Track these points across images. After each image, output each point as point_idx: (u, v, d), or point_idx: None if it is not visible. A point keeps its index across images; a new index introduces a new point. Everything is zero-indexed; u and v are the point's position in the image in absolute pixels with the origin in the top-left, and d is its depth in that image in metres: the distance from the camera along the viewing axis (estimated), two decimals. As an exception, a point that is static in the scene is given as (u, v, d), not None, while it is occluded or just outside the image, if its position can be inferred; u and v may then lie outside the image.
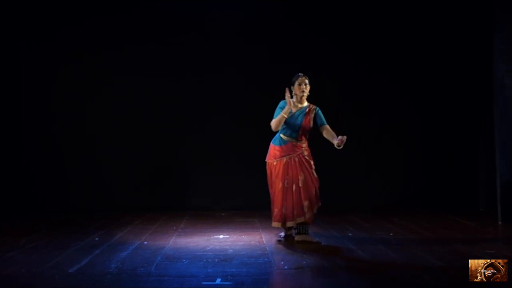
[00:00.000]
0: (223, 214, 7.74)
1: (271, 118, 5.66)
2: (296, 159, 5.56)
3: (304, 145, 5.65)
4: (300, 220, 5.53)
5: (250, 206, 8.04)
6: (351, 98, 8.30)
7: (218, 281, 4.11)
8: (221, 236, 6.01)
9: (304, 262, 4.66)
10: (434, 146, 8.33)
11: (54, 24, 8.11)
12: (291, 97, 5.56)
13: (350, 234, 6.01)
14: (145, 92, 8.19)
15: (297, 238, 5.63)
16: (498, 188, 6.83)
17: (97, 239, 5.81)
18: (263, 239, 5.80)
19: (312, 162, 5.66)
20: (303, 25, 8.28)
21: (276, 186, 5.58)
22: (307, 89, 5.60)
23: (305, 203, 5.51)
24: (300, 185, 5.52)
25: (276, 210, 5.60)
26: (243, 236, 6.01)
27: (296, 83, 5.57)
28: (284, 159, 5.56)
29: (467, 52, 8.00)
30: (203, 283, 4.09)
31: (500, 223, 6.71)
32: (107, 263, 4.67)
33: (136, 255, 5.00)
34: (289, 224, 5.60)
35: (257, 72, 8.04)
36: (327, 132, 5.60)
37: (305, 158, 5.60)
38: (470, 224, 6.72)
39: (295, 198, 5.51)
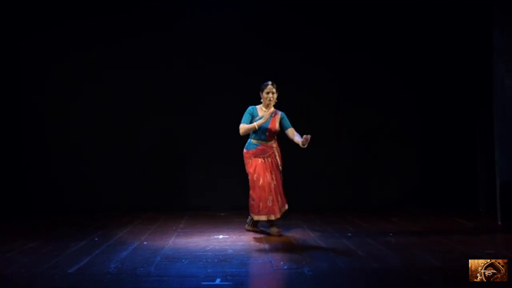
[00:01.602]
0: (222, 214, 7.74)
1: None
2: (269, 159, 6.06)
3: (274, 145, 6.14)
4: (284, 210, 6.07)
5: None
6: (351, 98, 8.30)
7: (217, 281, 4.11)
8: (220, 236, 6.01)
9: (304, 263, 4.66)
10: (434, 146, 8.34)
11: (52, 24, 8.13)
12: (260, 103, 6.11)
13: (349, 234, 6.00)
14: (144, 92, 8.19)
15: (271, 231, 6.07)
16: (497, 188, 6.82)
17: (96, 239, 5.81)
18: (263, 239, 5.80)
19: (279, 163, 6.14)
20: (303, 24, 8.31)
21: (257, 182, 6.01)
22: (274, 97, 6.03)
23: (281, 201, 6.08)
24: (275, 182, 6.04)
25: (261, 204, 5.99)
26: (242, 236, 6.01)
27: (265, 91, 6.04)
28: (259, 160, 6.05)
29: (467, 52, 7.98)
30: (203, 283, 4.09)
31: (499, 223, 6.70)
32: (106, 263, 4.68)
33: (136, 255, 5.00)
34: (284, 208, 6.10)
35: (258, 73, 8.02)
36: (293, 134, 6.03)
37: (275, 159, 6.10)
38: (469, 224, 6.71)
39: (278, 189, 6.06)
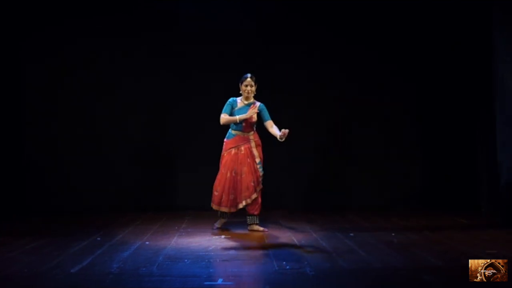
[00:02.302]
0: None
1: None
2: (243, 151, 6.25)
3: (252, 136, 6.31)
4: (247, 202, 6.19)
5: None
6: (351, 98, 8.30)
7: (220, 281, 4.12)
8: (222, 236, 6.01)
9: (306, 263, 4.66)
10: (434, 146, 8.33)
11: (50, 23, 8.12)
12: (240, 95, 6.32)
13: (351, 234, 6.00)
14: (145, 92, 8.19)
15: (249, 228, 6.31)
16: (499, 188, 6.83)
17: (98, 239, 5.81)
18: (265, 239, 5.80)
19: (256, 155, 6.29)
20: (303, 23, 8.32)
21: (223, 175, 6.25)
22: (252, 89, 6.25)
23: (246, 191, 6.19)
24: (243, 175, 6.19)
25: (224, 197, 6.24)
26: (245, 236, 6.02)
27: (243, 84, 6.26)
28: (233, 151, 6.26)
29: (467, 52, 7.99)
30: (205, 283, 4.09)
31: (501, 223, 6.70)
32: (108, 263, 4.68)
33: (138, 255, 5.00)
34: (246, 202, 6.21)
35: (259, 73, 8.03)
36: (271, 126, 6.20)
37: (250, 151, 6.26)
38: (471, 224, 6.72)
39: (244, 184, 6.18)
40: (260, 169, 6.28)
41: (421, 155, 8.41)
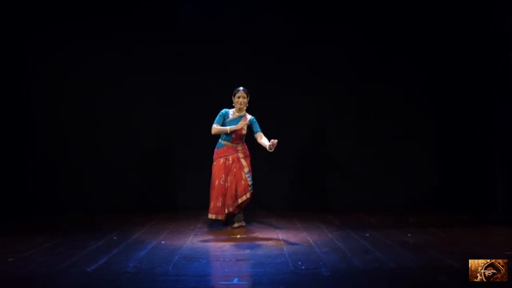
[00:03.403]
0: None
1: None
2: (230, 160, 6.46)
3: (240, 147, 6.53)
4: (229, 210, 6.40)
5: (266, 206, 8.06)
6: (365, 99, 8.27)
7: (235, 281, 4.12)
8: (238, 236, 6.02)
9: (322, 263, 4.65)
10: (451, 145, 8.26)
11: (50, 23, 8.17)
12: (232, 107, 6.51)
13: (367, 235, 5.98)
14: (156, 91, 8.23)
15: (234, 225, 6.56)
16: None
17: (114, 238, 5.84)
18: (280, 239, 5.80)
19: (245, 164, 6.50)
20: (304, 23, 8.31)
21: (213, 183, 6.46)
22: (244, 101, 6.46)
23: (234, 196, 6.40)
24: (229, 184, 6.40)
25: (212, 204, 6.44)
26: (260, 236, 6.02)
27: (236, 96, 6.46)
28: (221, 160, 6.49)
29: (484, 47, 7.92)
30: (221, 282, 4.10)
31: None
32: (125, 262, 4.70)
33: (154, 255, 5.02)
34: (228, 210, 6.41)
35: (260, 72, 8.04)
36: (261, 138, 6.40)
37: (238, 160, 6.47)
38: (487, 225, 6.65)
39: (229, 192, 6.38)
40: (249, 179, 6.46)
41: (436, 155, 8.36)
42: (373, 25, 8.27)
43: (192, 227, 6.61)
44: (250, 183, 6.45)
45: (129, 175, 8.15)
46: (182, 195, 8.20)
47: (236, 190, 6.39)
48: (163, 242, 5.66)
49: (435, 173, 8.33)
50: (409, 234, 5.96)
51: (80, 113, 8.20)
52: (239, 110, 6.47)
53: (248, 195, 6.43)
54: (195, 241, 5.71)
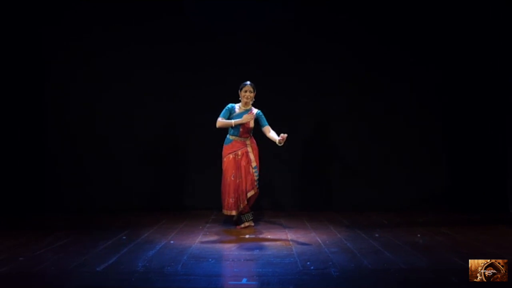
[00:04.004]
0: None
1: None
2: (239, 155, 6.45)
3: (248, 142, 6.53)
4: (243, 204, 6.42)
5: (275, 206, 8.06)
6: (376, 98, 8.25)
7: (244, 280, 4.13)
8: (247, 236, 6.03)
9: (331, 263, 4.65)
10: (462, 145, 8.22)
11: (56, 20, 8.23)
12: (239, 101, 6.51)
13: (376, 235, 5.97)
14: (168, 90, 8.24)
15: (242, 226, 6.53)
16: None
17: (124, 238, 5.86)
18: (289, 239, 5.80)
19: (252, 158, 6.48)
20: (308, 26, 8.31)
21: (225, 180, 6.48)
22: (251, 96, 6.44)
23: (244, 191, 6.43)
24: (240, 179, 6.41)
25: (226, 200, 6.46)
26: (269, 236, 6.02)
27: (243, 90, 6.45)
28: (231, 156, 6.47)
29: (495, 46, 7.89)
30: (230, 282, 4.10)
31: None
32: (134, 262, 4.72)
33: (163, 254, 5.04)
34: (242, 205, 6.44)
35: (261, 73, 8.04)
36: (269, 132, 6.41)
37: (247, 155, 6.46)
38: (498, 226, 6.62)
39: (239, 187, 6.41)
40: (256, 173, 6.47)
41: (447, 155, 8.32)
42: (385, 25, 8.26)
43: (201, 227, 6.62)
44: (256, 178, 6.46)
45: (139, 175, 8.17)
46: (191, 195, 8.22)
47: (246, 184, 6.42)
48: (172, 241, 5.67)
49: (446, 172, 8.28)
50: (419, 235, 5.94)
51: (89, 112, 8.21)
52: (246, 104, 6.47)
53: (255, 190, 6.45)
54: (204, 241, 5.72)
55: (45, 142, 8.20)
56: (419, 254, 4.97)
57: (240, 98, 6.50)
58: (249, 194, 6.42)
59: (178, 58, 8.24)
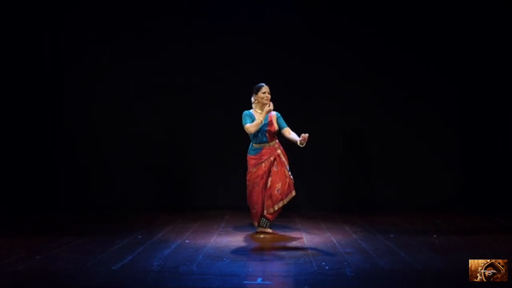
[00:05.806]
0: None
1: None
2: (272, 160, 6.09)
3: (276, 145, 6.20)
4: (268, 211, 6.03)
5: (290, 206, 8.02)
6: (393, 99, 8.22)
7: (259, 280, 4.12)
8: (261, 236, 6.02)
9: (346, 263, 4.63)
10: (478, 145, 8.15)
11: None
12: (250, 107, 6.21)
13: (392, 235, 5.94)
14: (182, 89, 8.26)
15: (258, 229, 6.18)
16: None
17: (139, 237, 5.88)
18: (304, 239, 5.79)
19: (284, 160, 6.17)
20: (317, 26, 8.28)
21: (249, 191, 6.13)
22: (269, 97, 6.13)
23: (276, 196, 6.04)
24: (268, 185, 6.06)
25: (252, 211, 6.17)
26: (283, 236, 6.02)
27: (261, 91, 6.13)
28: (263, 165, 6.09)
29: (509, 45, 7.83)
30: (245, 282, 4.11)
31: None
32: (149, 261, 4.74)
33: (178, 253, 5.05)
34: (267, 212, 6.07)
35: (261, 73, 8.01)
36: (289, 134, 6.11)
37: (280, 158, 6.13)
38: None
39: (267, 192, 6.05)
40: (291, 176, 6.13)
41: (463, 156, 8.25)
42: (385, 25, 8.22)
43: (215, 227, 6.63)
44: (292, 180, 6.13)
45: (155, 174, 8.22)
46: (206, 195, 8.23)
47: (278, 190, 6.04)
48: (187, 241, 5.68)
49: (462, 174, 8.22)
50: (435, 235, 5.91)
51: (107, 112, 8.27)
52: (263, 106, 6.10)
53: (293, 192, 6.11)
54: (218, 240, 5.73)
55: (63, 141, 8.24)
56: (435, 255, 4.94)
57: (253, 102, 6.18)
58: (287, 200, 6.06)
59: (178, 58, 8.24)
